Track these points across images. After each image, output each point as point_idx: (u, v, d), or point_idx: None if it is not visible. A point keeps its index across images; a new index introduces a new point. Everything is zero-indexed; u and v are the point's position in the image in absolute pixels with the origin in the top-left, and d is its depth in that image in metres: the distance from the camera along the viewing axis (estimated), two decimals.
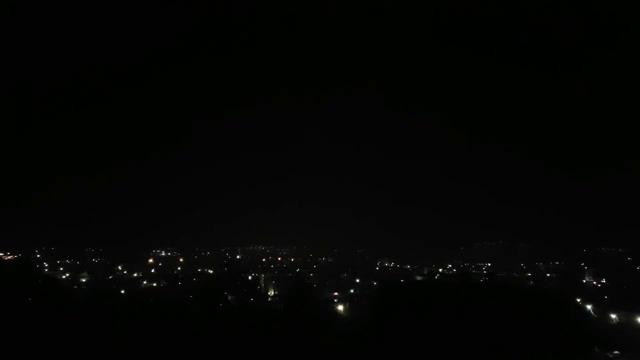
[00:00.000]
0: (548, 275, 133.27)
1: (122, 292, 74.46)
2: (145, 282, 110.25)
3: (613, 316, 61.22)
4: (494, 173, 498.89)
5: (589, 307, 65.50)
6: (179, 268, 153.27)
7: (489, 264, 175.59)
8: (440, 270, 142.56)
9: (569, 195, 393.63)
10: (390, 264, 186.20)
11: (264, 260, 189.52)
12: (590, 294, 79.72)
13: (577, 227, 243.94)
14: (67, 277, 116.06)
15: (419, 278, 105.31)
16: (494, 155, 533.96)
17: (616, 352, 39.15)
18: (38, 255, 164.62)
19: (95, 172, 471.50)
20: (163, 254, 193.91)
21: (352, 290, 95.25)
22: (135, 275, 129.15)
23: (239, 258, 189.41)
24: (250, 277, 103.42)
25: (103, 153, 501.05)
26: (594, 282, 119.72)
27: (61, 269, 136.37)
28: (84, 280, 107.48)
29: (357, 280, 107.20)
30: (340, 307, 70.53)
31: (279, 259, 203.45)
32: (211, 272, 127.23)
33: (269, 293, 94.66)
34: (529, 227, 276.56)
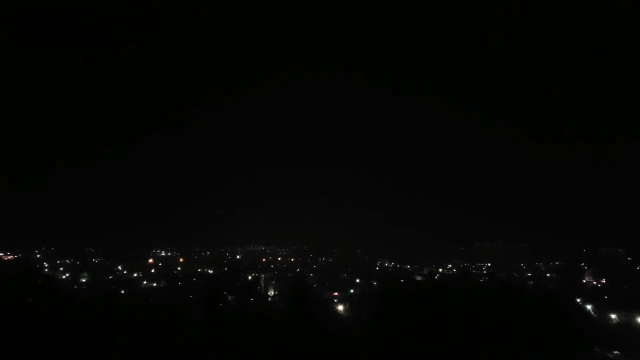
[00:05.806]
0: (548, 275, 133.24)
1: (122, 292, 74.56)
2: (145, 282, 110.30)
3: (613, 316, 61.22)
4: (494, 173, 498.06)
5: (589, 307, 65.50)
6: (179, 268, 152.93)
7: (489, 264, 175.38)
8: (440, 270, 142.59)
9: (569, 194, 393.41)
10: (390, 264, 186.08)
11: (263, 260, 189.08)
12: (590, 294, 79.71)
13: (577, 227, 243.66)
14: (67, 277, 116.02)
15: (419, 278, 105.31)
16: (495, 153, 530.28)
17: (616, 352, 39.21)
18: (38, 255, 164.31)
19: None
20: (163, 254, 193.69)
21: (352, 290, 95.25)
22: (135, 275, 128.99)
23: (238, 258, 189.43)
24: (250, 277, 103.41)
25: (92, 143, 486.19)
26: (594, 282, 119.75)
27: (61, 269, 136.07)
28: (84, 280, 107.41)
29: (357, 280, 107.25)
30: (340, 307, 70.51)
31: (279, 259, 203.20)
32: (211, 272, 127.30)
33: (269, 293, 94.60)
34: (529, 226, 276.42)
